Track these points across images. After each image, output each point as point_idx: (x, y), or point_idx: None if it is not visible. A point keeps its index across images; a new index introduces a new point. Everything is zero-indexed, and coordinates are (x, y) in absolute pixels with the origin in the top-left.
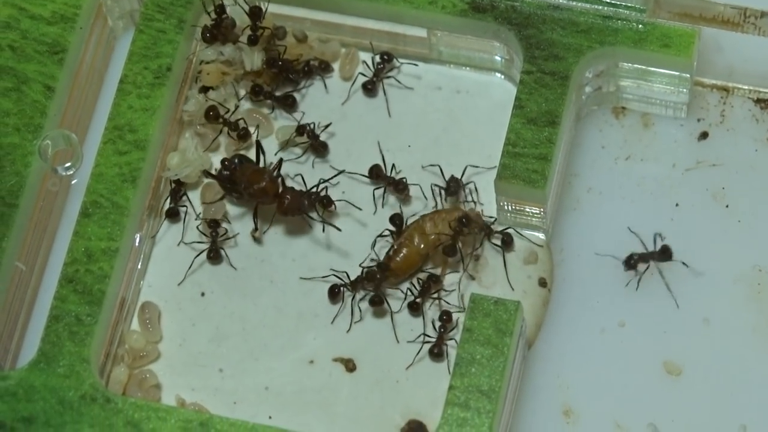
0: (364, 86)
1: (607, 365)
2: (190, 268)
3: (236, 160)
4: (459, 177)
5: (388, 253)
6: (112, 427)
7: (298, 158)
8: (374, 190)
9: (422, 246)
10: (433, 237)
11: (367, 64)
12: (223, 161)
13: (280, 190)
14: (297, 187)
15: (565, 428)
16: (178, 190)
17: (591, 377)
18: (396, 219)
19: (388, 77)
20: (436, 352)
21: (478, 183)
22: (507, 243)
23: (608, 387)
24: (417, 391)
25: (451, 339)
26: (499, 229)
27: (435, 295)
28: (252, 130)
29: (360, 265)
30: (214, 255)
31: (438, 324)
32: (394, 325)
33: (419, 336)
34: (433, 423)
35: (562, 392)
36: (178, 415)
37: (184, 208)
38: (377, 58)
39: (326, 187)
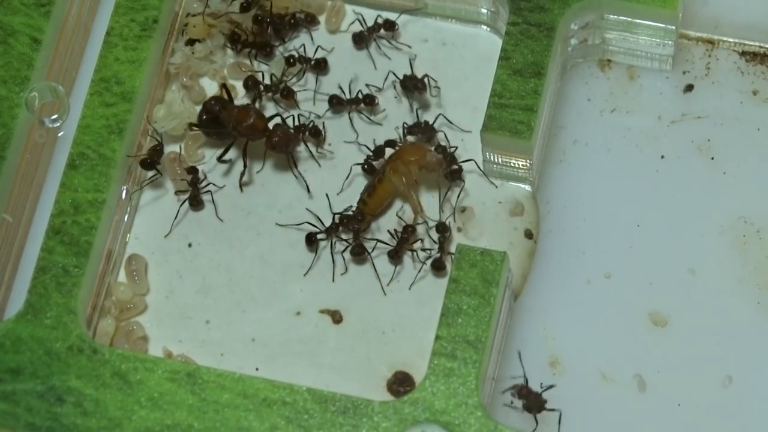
0: (355, 40)
1: (593, 316)
2: (176, 218)
3: (213, 102)
4: (432, 123)
5: (361, 197)
6: (99, 377)
7: (298, 82)
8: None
9: (391, 182)
10: (400, 173)
11: (359, 20)
12: (204, 105)
13: (271, 126)
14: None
15: (552, 379)
16: (160, 151)
17: (577, 329)
18: (377, 151)
19: (381, 38)
20: (439, 266)
21: (464, 135)
22: (453, 173)
23: (594, 338)
24: (403, 342)
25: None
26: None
27: (414, 246)
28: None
29: (333, 212)
30: (196, 202)
31: (437, 236)
32: (379, 276)
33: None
34: (419, 374)
35: (549, 344)
36: (165, 366)
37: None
38: (379, 20)
39: (313, 121)
